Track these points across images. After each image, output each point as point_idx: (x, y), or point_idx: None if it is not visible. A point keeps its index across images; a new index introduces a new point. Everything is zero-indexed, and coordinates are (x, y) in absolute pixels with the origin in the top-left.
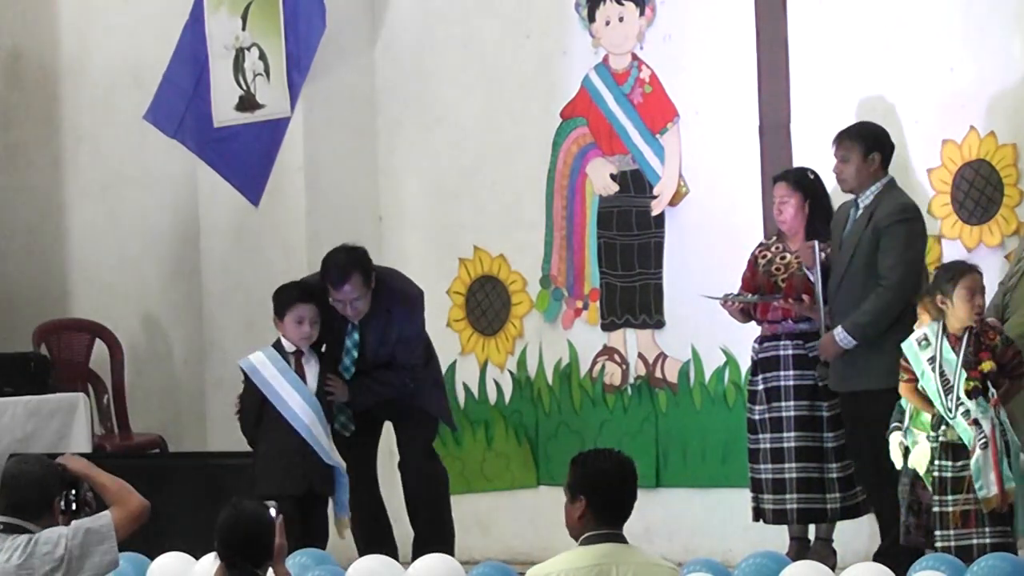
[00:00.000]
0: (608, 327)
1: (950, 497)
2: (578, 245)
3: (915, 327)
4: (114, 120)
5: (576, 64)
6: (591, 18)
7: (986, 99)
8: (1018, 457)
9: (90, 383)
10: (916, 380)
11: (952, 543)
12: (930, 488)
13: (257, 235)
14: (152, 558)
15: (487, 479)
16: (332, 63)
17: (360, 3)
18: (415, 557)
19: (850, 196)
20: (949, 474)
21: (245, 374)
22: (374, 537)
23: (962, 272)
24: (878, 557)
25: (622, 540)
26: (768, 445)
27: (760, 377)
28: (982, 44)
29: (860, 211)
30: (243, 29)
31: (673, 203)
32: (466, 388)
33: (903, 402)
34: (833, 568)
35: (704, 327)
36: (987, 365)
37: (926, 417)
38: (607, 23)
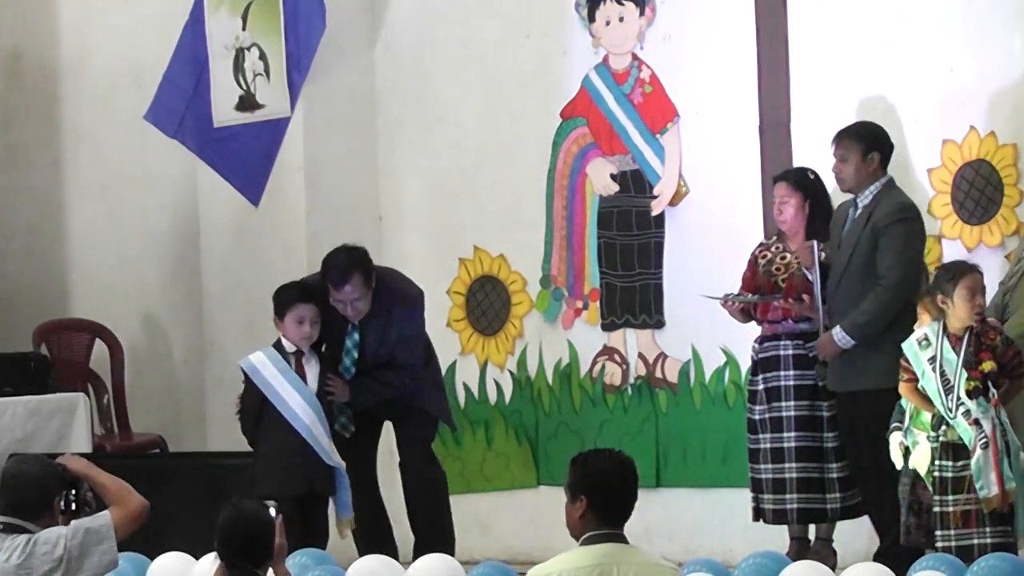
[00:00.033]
0: (608, 327)
1: (951, 497)
2: (578, 245)
3: (915, 327)
4: (114, 120)
5: (576, 64)
6: (591, 18)
7: (986, 99)
8: (1018, 457)
9: (90, 383)
10: (916, 380)
11: (953, 543)
12: (930, 488)
13: (257, 235)
14: (152, 558)
15: (487, 479)
16: (332, 63)
17: (360, 3)
18: (415, 558)
19: (849, 196)
20: (950, 474)
21: (245, 374)
22: (374, 537)
23: (963, 272)
24: (878, 557)
25: (623, 540)
26: (768, 445)
27: (760, 377)
28: (982, 44)
29: (859, 211)
30: (243, 29)
31: (673, 203)
32: (466, 388)
33: (903, 402)
34: (833, 568)
35: (704, 327)
36: (988, 365)
37: (926, 417)
38: (607, 23)
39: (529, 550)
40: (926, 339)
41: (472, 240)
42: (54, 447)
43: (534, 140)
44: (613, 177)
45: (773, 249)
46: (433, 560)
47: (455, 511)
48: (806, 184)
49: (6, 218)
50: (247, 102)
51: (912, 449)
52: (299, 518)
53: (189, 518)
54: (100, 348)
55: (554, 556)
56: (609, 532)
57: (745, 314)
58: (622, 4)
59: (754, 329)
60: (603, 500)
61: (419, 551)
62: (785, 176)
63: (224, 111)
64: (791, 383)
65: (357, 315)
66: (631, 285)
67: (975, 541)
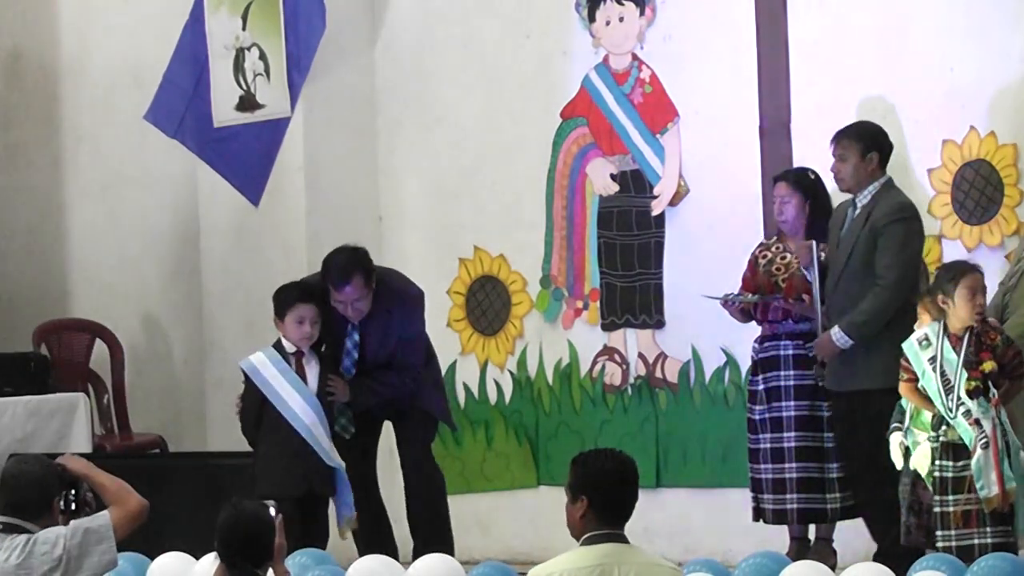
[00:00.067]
0: (608, 327)
1: (951, 497)
2: (578, 245)
3: (916, 327)
4: (114, 120)
5: (576, 64)
6: (591, 18)
7: (986, 99)
8: (1019, 457)
9: (90, 383)
10: (916, 380)
11: (953, 543)
12: (931, 488)
13: (257, 235)
14: (152, 558)
15: (487, 479)
16: (332, 63)
17: (360, 3)
18: (415, 558)
19: (848, 196)
20: (950, 474)
21: (245, 375)
22: (374, 537)
23: (963, 272)
24: (878, 557)
25: (624, 540)
26: (768, 445)
27: (760, 377)
28: (982, 44)
29: (858, 210)
30: (243, 29)
31: (673, 203)
32: (466, 388)
33: (903, 402)
34: (833, 568)
35: (704, 327)
36: (988, 365)
37: (927, 417)
38: (607, 23)
39: (529, 550)
40: (926, 339)
41: (472, 240)
42: (54, 447)
43: (534, 140)
44: (613, 177)
45: (773, 249)
46: (433, 560)
47: (455, 511)
48: (807, 184)
49: (6, 218)
50: (247, 102)
51: (913, 449)
52: (299, 518)
53: (189, 518)
54: (100, 348)
55: (554, 556)
56: (610, 532)
57: (745, 314)
58: (622, 4)
59: (754, 329)
60: (604, 500)
61: (417, 552)
62: (785, 176)
63: (224, 111)
64: (791, 383)
65: (357, 316)
66: (631, 285)
67: (975, 541)
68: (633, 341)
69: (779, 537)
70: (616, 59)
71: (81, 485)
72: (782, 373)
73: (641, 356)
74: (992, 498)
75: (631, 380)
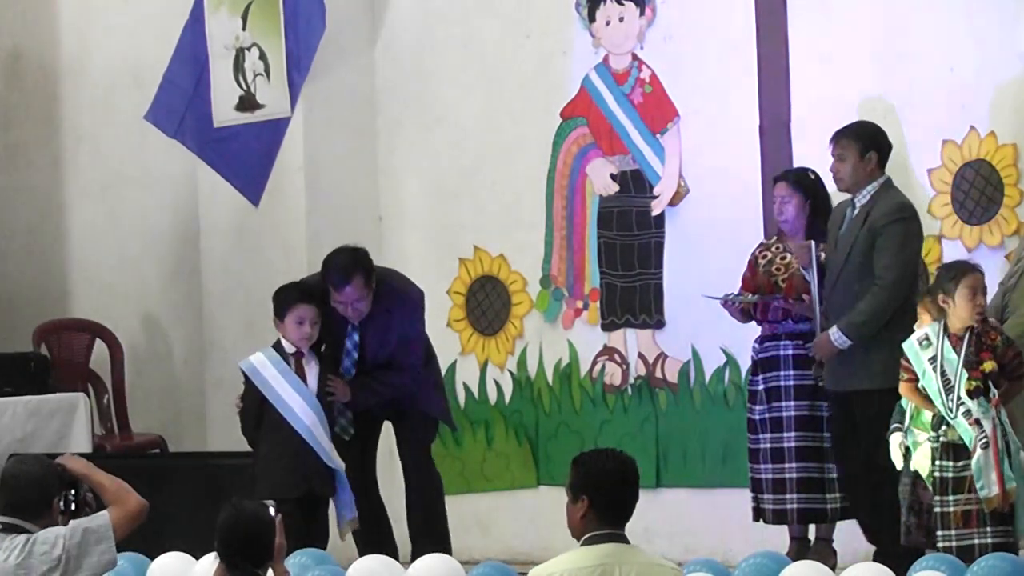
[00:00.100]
0: (608, 327)
1: (951, 497)
2: (578, 245)
3: (916, 327)
4: (114, 120)
5: (576, 64)
6: (591, 18)
7: (986, 99)
8: (1019, 457)
9: (90, 383)
10: (917, 380)
11: (953, 543)
12: (931, 488)
13: (257, 235)
14: (152, 558)
15: (487, 479)
16: (332, 63)
17: (360, 3)
18: (414, 559)
19: (848, 195)
20: (950, 474)
21: (245, 376)
22: (374, 537)
23: (964, 271)
24: (878, 557)
25: (624, 540)
26: (768, 445)
27: (760, 377)
28: (982, 44)
29: (856, 210)
30: (243, 29)
31: (673, 203)
32: (466, 388)
33: (903, 402)
34: (833, 568)
35: (704, 327)
36: (988, 365)
37: (927, 417)
38: (607, 23)
39: (529, 550)
40: (927, 339)
41: (472, 240)
42: (54, 447)
43: (534, 140)
44: (613, 177)
45: (773, 249)
46: (433, 560)
47: (455, 511)
48: (807, 184)
49: (6, 218)
50: (247, 102)
51: (913, 450)
52: (299, 519)
53: (189, 518)
54: (100, 348)
55: (554, 556)
56: (611, 532)
57: (745, 314)
58: (622, 4)
59: (754, 329)
60: (605, 500)
61: (415, 553)
62: (785, 176)
63: (224, 111)
64: (791, 383)
65: (358, 316)
66: (631, 285)
67: (976, 541)
68: (633, 341)
69: (779, 537)
70: (616, 59)
71: (81, 485)
72: (782, 373)
73: (641, 356)
74: (992, 498)
75: (631, 380)
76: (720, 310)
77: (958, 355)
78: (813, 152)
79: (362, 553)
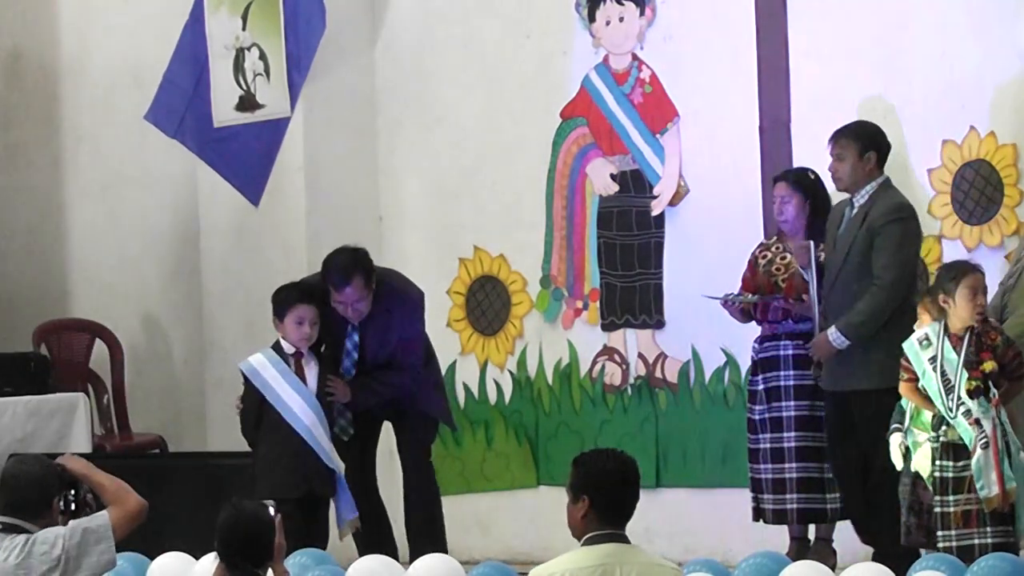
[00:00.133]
0: (608, 327)
1: (951, 497)
2: (578, 245)
3: (916, 327)
4: (114, 120)
5: (576, 64)
6: (591, 18)
7: (986, 99)
8: (1019, 457)
9: (90, 383)
10: (917, 379)
11: (953, 543)
12: (931, 488)
13: (257, 235)
14: (152, 558)
15: (487, 479)
16: (332, 63)
17: (360, 3)
18: (412, 559)
19: (847, 195)
20: (950, 474)
21: (245, 377)
22: (374, 537)
23: (964, 271)
24: (878, 557)
25: (625, 540)
26: (768, 445)
27: (760, 377)
28: (982, 44)
29: (855, 210)
30: (243, 29)
31: (673, 203)
32: (466, 388)
33: (903, 402)
34: (833, 568)
35: (704, 327)
36: (989, 365)
37: (927, 417)
38: (607, 23)
39: (529, 550)
40: (927, 339)
41: (472, 240)
42: (54, 447)
43: (534, 140)
44: (613, 177)
45: (773, 249)
46: (433, 560)
47: (455, 511)
48: (807, 184)
49: (6, 218)
50: (247, 102)
51: (913, 450)
52: (299, 519)
53: (189, 518)
54: (100, 348)
55: (554, 556)
56: (611, 532)
57: (745, 314)
58: (622, 4)
59: (754, 329)
60: (605, 500)
61: (412, 553)
62: (785, 176)
63: (224, 111)
64: (791, 383)
65: (358, 316)
66: (631, 285)
67: (976, 541)
68: (633, 341)
69: (779, 537)
70: (616, 59)
71: (81, 485)
72: (782, 373)
73: (641, 356)
74: (992, 498)
75: (631, 380)
76: (720, 310)
77: (958, 355)
78: (813, 152)
79: (362, 553)
